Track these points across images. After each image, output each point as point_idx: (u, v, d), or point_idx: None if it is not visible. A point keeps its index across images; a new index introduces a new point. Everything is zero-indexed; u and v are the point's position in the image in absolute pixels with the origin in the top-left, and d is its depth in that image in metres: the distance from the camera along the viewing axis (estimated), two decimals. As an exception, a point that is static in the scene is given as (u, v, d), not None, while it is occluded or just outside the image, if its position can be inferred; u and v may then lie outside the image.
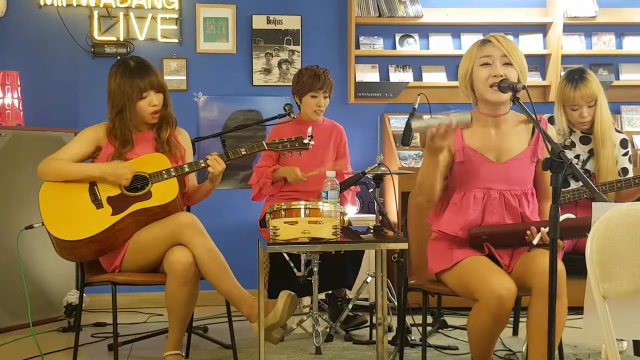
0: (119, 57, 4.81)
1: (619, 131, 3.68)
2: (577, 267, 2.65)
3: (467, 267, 2.71)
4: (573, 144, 3.59)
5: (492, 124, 2.82)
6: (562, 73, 4.97)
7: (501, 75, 2.70)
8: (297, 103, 4.17)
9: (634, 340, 3.58)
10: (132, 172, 3.15)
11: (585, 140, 3.60)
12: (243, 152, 3.24)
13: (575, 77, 3.52)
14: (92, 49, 4.85)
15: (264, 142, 3.27)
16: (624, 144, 3.62)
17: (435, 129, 2.51)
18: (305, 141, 3.24)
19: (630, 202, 3.46)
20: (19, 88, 4.45)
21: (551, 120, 3.66)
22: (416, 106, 3.48)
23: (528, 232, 2.63)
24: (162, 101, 3.30)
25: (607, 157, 3.52)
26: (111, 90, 3.28)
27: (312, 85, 4.03)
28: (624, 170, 3.60)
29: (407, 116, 2.66)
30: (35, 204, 3.16)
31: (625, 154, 3.62)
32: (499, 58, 2.74)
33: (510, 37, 2.86)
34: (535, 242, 2.57)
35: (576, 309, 2.44)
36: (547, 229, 2.54)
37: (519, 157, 2.80)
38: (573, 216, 2.57)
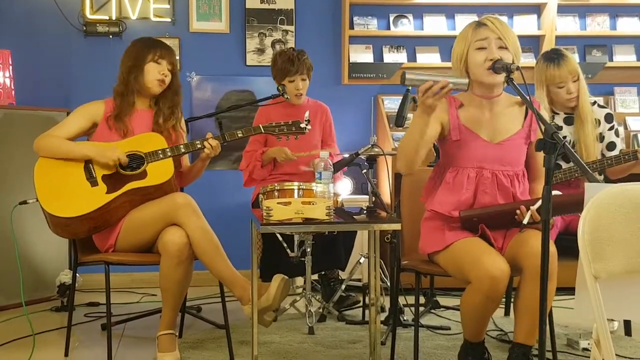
0: (110, 36, 4.80)
1: (602, 106, 3.68)
2: (568, 247, 2.66)
3: (460, 249, 2.71)
4: (559, 127, 3.60)
5: (486, 105, 2.82)
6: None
7: (498, 58, 2.68)
8: (278, 89, 4.11)
9: (624, 320, 3.61)
10: (120, 154, 3.13)
11: (569, 120, 3.60)
12: (239, 135, 3.24)
13: (553, 57, 3.53)
14: (84, 28, 4.82)
15: (260, 126, 3.26)
16: (608, 118, 3.63)
17: (430, 84, 2.50)
18: (302, 125, 3.22)
19: (620, 178, 3.51)
20: (11, 67, 4.42)
21: None
22: (410, 87, 3.47)
23: (518, 211, 2.64)
24: (169, 79, 3.31)
25: (588, 133, 3.53)
26: (127, 55, 3.32)
27: (287, 70, 3.98)
28: (612, 145, 3.61)
29: (401, 97, 2.64)
30: (28, 184, 3.16)
31: (611, 128, 3.62)
32: (495, 41, 2.72)
33: (504, 18, 2.85)
34: (525, 221, 2.58)
35: (567, 290, 2.46)
36: (536, 207, 2.55)
37: (513, 138, 2.80)
38: (560, 193, 2.58)
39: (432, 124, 2.72)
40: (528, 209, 2.59)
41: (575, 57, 3.57)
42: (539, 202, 2.46)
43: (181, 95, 3.40)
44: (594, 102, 3.64)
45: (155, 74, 3.28)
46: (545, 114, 2.96)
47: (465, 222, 2.76)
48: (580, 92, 3.54)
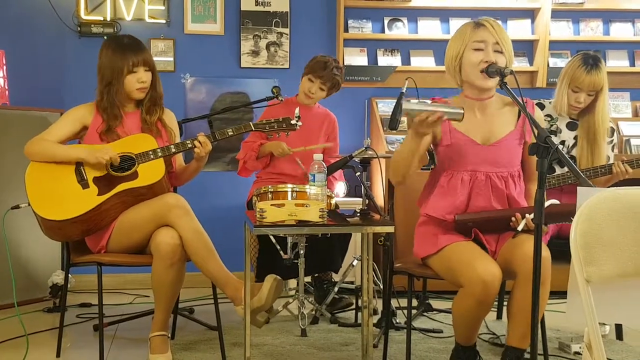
0: (105, 37, 4.78)
1: None
2: (561, 251, 2.67)
3: (452, 253, 2.72)
4: (559, 130, 3.61)
5: (478, 107, 2.83)
6: (551, 57, 5.00)
7: (493, 62, 2.69)
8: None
9: (615, 324, 3.62)
10: (112, 153, 3.12)
11: (572, 126, 3.62)
12: (230, 133, 3.23)
13: (590, 62, 3.52)
14: (79, 29, 4.81)
15: (251, 123, 3.26)
16: (609, 132, 3.64)
17: (425, 116, 2.51)
18: (293, 122, 3.22)
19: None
20: (5, 67, 4.41)
21: (539, 107, 3.67)
22: (404, 90, 3.47)
23: (513, 218, 2.65)
24: (150, 80, 3.29)
25: (601, 151, 3.54)
26: (102, 65, 3.27)
27: (316, 69, 4.01)
28: (606, 158, 3.63)
29: (395, 100, 2.65)
30: (22, 184, 3.15)
31: (609, 142, 3.64)
32: (492, 44, 2.73)
33: (499, 22, 2.85)
34: (520, 228, 2.59)
35: (559, 294, 2.47)
36: (531, 216, 2.56)
37: (506, 139, 2.81)
38: (557, 202, 2.59)
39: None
40: (523, 217, 2.60)
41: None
42: None
43: (159, 88, 3.36)
44: None
45: (133, 83, 3.25)
46: (541, 116, 2.96)
47: (460, 226, 2.76)
48: (598, 108, 3.53)
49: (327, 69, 4.01)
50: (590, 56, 3.56)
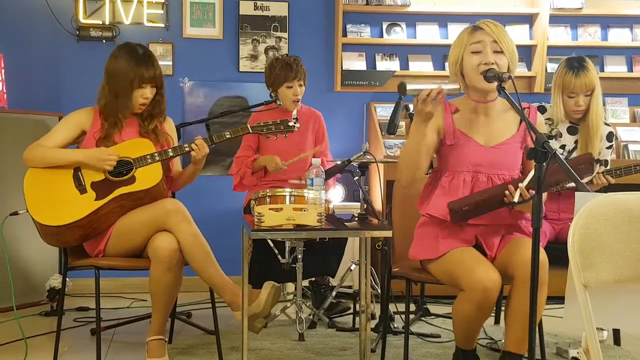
0: (104, 41, 4.80)
1: (607, 124, 3.70)
2: (558, 256, 2.67)
3: (453, 258, 2.71)
4: (560, 134, 3.61)
5: (482, 109, 2.83)
6: (549, 62, 5.02)
7: (492, 63, 2.69)
8: (271, 95, 4.07)
9: (613, 330, 3.62)
10: (116, 158, 3.13)
11: (572, 130, 3.62)
12: (227, 136, 3.23)
13: (575, 65, 3.51)
14: (77, 32, 4.82)
15: (248, 126, 3.25)
16: (609, 137, 3.65)
17: (426, 94, 2.54)
18: (291, 124, 3.21)
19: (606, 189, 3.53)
20: (3, 70, 4.41)
21: (540, 110, 3.67)
22: (402, 96, 3.47)
23: (507, 192, 2.63)
24: (153, 96, 3.29)
25: (594, 150, 3.54)
26: (112, 71, 3.25)
27: (286, 76, 3.97)
28: (605, 163, 3.63)
29: (393, 105, 2.65)
30: (20, 189, 3.15)
31: (609, 147, 3.64)
32: (490, 45, 2.73)
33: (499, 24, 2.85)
34: (515, 199, 2.56)
35: (557, 298, 2.47)
36: (524, 184, 2.54)
37: (508, 142, 2.81)
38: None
39: (430, 134, 2.74)
40: (516, 188, 2.58)
41: (595, 69, 3.57)
42: (527, 179, 2.50)
43: (163, 103, 3.36)
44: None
45: (137, 99, 3.26)
46: (541, 120, 2.96)
47: (456, 214, 2.72)
48: (592, 107, 3.52)
49: (294, 67, 3.97)
50: (574, 59, 3.56)
